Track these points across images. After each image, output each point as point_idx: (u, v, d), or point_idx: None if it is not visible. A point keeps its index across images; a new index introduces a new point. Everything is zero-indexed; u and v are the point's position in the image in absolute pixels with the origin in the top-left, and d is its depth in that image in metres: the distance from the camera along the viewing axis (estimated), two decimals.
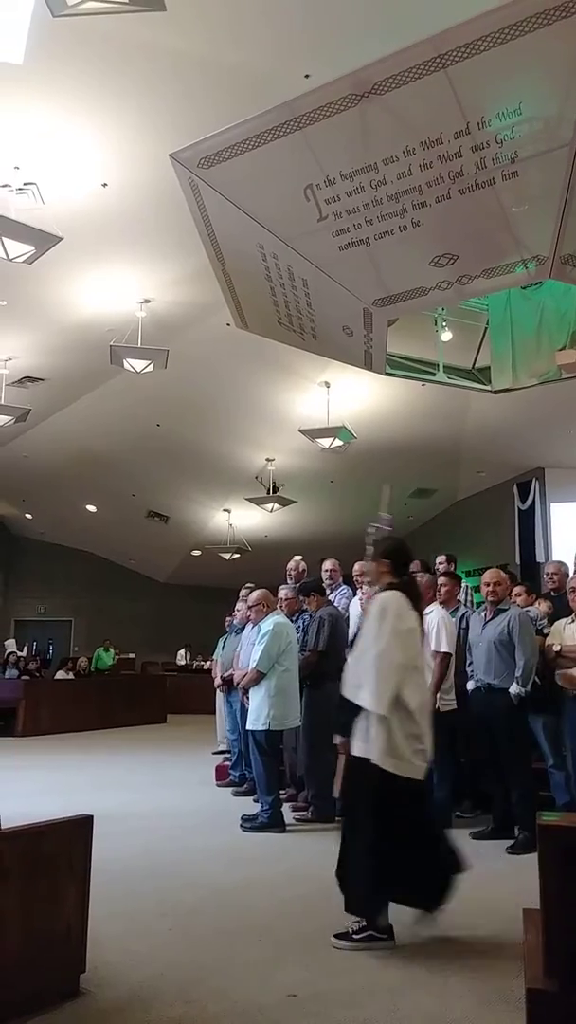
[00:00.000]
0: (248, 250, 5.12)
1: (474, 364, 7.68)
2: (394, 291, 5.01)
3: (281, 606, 6.22)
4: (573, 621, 5.17)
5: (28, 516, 18.35)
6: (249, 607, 6.19)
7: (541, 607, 5.90)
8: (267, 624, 5.67)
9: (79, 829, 2.88)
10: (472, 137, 3.91)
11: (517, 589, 6.10)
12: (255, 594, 6.08)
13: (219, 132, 4.35)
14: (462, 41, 3.53)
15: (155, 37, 4.82)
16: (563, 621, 5.28)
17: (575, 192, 4.03)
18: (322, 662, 5.80)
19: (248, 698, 5.75)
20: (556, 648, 5.09)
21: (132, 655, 18.42)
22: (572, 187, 4.02)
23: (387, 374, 6.66)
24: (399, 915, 3.40)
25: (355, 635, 6.31)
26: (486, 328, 7.29)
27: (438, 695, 5.41)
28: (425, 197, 4.26)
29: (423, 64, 3.65)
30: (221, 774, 7.45)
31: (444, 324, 7.17)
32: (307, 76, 4.84)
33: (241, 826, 5.48)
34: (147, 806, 6.43)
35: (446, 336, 7.22)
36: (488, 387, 7.33)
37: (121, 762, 8.99)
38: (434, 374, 7.27)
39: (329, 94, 3.95)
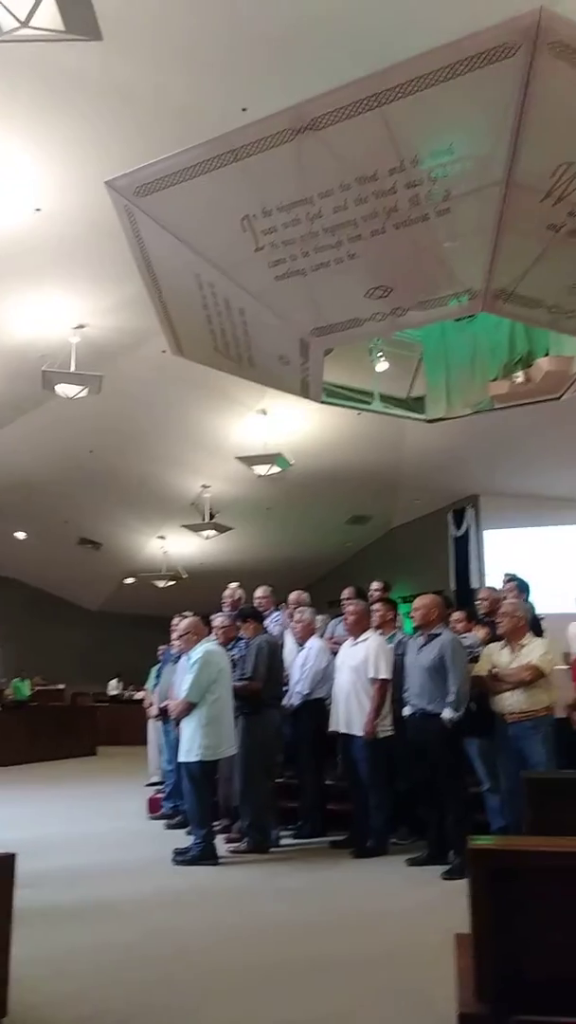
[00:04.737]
0: (184, 278, 5.12)
1: (409, 393, 7.80)
2: (330, 321, 5.06)
3: (217, 634, 6.17)
4: (505, 646, 5.26)
5: None
6: (178, 636, 6.12)
7: (479, 633, 5.98)
8: (196, 653, 5.61)
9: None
10: (406, 174, 4.00)
11: (457, 615, 6.18)
12: (183, 623, 6.03)
13: (156, 161, 4.35)
14: (397, 81, 3.61)
15: (93, 66, 4.82)
16: (495, 645, 5.37)
17: (506, 229, 4.16)
18: (260, 689, 5.76)
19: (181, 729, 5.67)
20: (493, 670, 5.15)
21: (61, 686, 17.96)
22: (503, 224, 4.14)
23: (323, 402, 6.72)
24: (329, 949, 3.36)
25: (291, 661, 6.35)
26: (421, 359, 7.43)
27: (376, 721, 5.43)
28: (360, 231, 4.33)
29: (359, 102, 3.73)
30: (154, 806, 7.31)
31: (380, 354, 7.28)
32: (244, 109, 4.91)
33: (173, 860, 5.37)
34: (75, 841, 6.26)
35: (381, 366, 7.32)
36: (423, 416, 7.45)
37: (48, 796, 8.75)
38: (370, 403, 7.36)
39: (266, 128, 3.99)
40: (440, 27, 3.80)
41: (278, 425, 10.29)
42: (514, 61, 3.37)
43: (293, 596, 6.96)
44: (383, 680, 5.47)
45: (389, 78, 3.60)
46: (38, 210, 6.25)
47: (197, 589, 13.83)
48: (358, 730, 5.47)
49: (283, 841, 5.87)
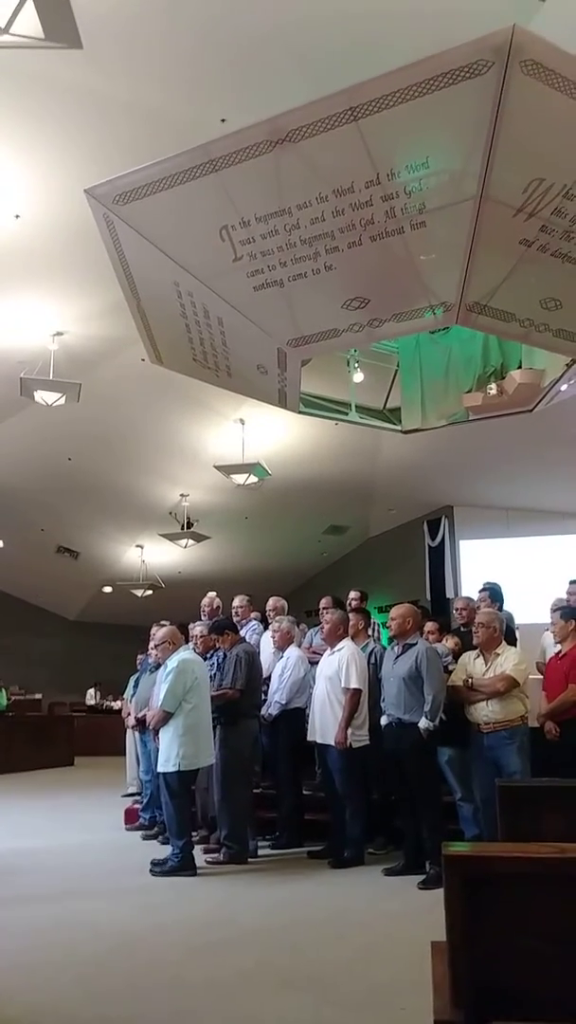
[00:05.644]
0: (163, 287, 5.13)
1: (385, 405, 7.85)
2: (307, 332, 5.10)
3: (196, 643, 6.16)
4: (479, 656, 5.30)
5: None
6: (155, 645, 6.11)
7: (449, 643, 6.02)
8: (172, 662, 5.60)
9: None
10: (382, 187, 4.05)
11: (430, 626, 6.21)
12: (160, 632, 6.02)
13: (135, 170, 4.37)
14: (373, 95, 3.66)
15: (75, 75, 4.83)
16: (469, 655, 5.41)
17: (479, 243, 4.21)
18: (239, 699, 5.76)
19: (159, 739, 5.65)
20: (468, 681, 5.18)
21: (38, 696, 17.80)
22: (476, 238, 4.19)
23: (301, 412, 6.75)
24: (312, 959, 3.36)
25: (269, 670, 6.35)
26: (396, 370, 7.48)
27: (350, 731, 5.44)
28: (337, 242, 4.37)
29: (336, 115, 3.77)
30: (131, 817, 7.27)
31: (356, 365, 7.32)
32: (223, 120, 4.94)
33: (151, 871, 5.34)
34: (52, 852, 6.20)
35: (358, 377, 7.37)
36: (398, 427, 7.50)
37: (24, 807, 8.66)
38: (346, 413, 7.40)
39: (244, 139, 4.03)
40: (420, 39, 3.86)
41: (256, 435, 10.30)
42: (486, 79, 3.43)
43: (271, 603, 6.98)
44: (354, 689, 5.48)
45: (364, 92, 3.64)
46: (17, 217, 6.23)
47: (175, 598, 13.79)
48: (332, 740, 5.48)
49: (261, 851, 5.86)
